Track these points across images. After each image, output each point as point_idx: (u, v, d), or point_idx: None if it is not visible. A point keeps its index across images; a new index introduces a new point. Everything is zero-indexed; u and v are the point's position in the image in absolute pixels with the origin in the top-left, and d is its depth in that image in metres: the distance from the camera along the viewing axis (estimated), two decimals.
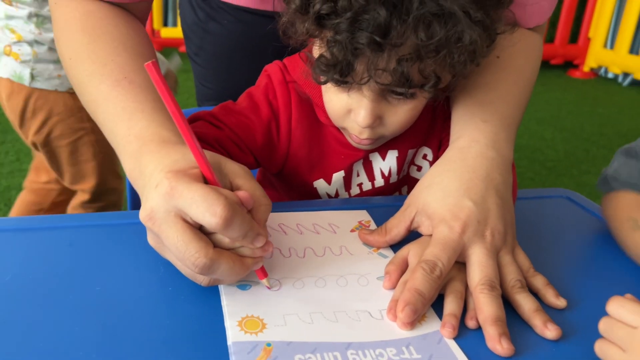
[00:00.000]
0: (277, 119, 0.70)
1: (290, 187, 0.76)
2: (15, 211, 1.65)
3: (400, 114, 0.62)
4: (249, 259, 0.49)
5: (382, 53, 0.52)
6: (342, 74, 0.56)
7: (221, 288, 0.51)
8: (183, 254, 0.45)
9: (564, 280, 0.56)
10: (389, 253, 0.59)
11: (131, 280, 0.51)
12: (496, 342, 0.46)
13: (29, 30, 1.37)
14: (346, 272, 0.55)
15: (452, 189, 0.56)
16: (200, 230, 0.47)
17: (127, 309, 0.48)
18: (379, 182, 0.75)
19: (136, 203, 0.90)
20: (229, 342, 0.44)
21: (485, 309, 0.48)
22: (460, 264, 0.53)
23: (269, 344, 0.44)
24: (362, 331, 0.47)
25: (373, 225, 0.64)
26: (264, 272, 0.51)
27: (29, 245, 0.56)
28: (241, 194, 0.48)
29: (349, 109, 0.62)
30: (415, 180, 0.78)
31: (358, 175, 0.74)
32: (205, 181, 0.48)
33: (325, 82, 0.60)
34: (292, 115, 0.71)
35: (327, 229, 0.62)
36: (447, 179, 0.57)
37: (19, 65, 1.39)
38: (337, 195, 0.75)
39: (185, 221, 0.46)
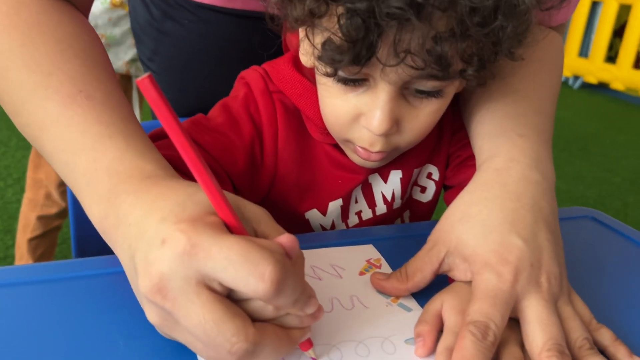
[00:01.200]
0: (261, 137, 0.58)
1: (276, 218, 0.63)
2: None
3: (422, 117, 0.50)
4: (296, 330, 0.36)
5: (417, 25, 0.40)
6: (359, 60, 0.43)
7: None
8: (214, 339, 0.32)
9: (621, 326, 0.46)
10: (413, 304, 0.47)
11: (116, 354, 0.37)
12: None
13: None
14: (365, 335, 0.42)
15: (494, 222, 0.44)
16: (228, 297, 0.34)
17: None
18: (381, 208, 0.63)
19: (83, 249, 0.75)
20: None
21: None
22: (511, 320, 0.42)
23: None
24: None
25: (385, 265, 0.52)
26: (309, 342, 0.39)
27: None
28: (285, 241, 0.35)
29: (357, 113, 0.50)
30: (419, 204, 0.67)
31: (356, 202, 0.62)
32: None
33: (333, 74, 0.47)
34: (279, 132, 0.58)
35: (330, 272, 0.50)
36: (486, 209, 0.45)
37: None
38: (333, 226, 0.62)
39: (212, 290, 0.33)
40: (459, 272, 0.45)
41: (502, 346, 0.40)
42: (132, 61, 1.61)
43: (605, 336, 0.43)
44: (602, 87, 4.84)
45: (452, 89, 0.51)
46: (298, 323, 0.36)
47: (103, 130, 0.43)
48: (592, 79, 4.76)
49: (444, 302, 0.43)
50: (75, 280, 0.46)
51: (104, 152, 0.41)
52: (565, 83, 5.07)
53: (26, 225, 1.58)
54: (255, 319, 0.34)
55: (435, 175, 0.65)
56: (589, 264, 0.57)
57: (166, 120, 0.31)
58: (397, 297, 0.47)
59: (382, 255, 0.53)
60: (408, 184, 0.63)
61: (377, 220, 0.64)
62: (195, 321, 0.32)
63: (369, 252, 0.54)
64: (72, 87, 0.44)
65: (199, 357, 0.37)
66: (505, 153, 0.49)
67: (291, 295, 0.34)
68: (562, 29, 0.66)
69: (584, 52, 4.93)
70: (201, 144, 0.54)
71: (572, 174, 2.94)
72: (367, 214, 0.63)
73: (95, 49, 0.49)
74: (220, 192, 0.34)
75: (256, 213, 0.38)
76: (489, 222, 0.44)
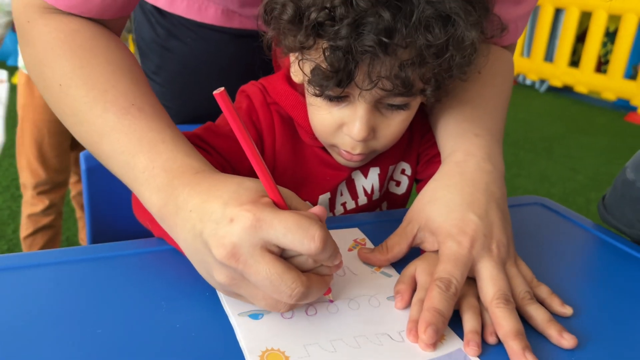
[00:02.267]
0: (262, 142, 0.68)
1: None
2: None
3: (393, 125, 0.62)
4: (327, 277, 0.48)
5: (385, 57, 0.52)
6: (341, 84, 0.55)
7: (233, 320, 0.48)
8: (278, 286, 0.43)
9: (561, 288, 0.57)
10: (392, 272, 0.58)
11: (133, 321, 0.47)
12: (521, 356, 0.46)
13: None
14: (355, 294, 0.54)
15: (456, 203, 0.56)
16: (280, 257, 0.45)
17: (135, 354, 0.44)
18: (362, 200, 0.74)
19: (96, 235, 0.85)
20: None
21: (505, 324, 0.48)
22: (470, 279, 0.53)
23: None
24: (387, 355, 0.46)
25: (369, 243, 0.63)
26: (329, 288, 0.51)
27: (10, 287, 0.51)
28: (318, 212, 0.47)
29: (341, 123, 0.61)
30: (394, 196, 0.79)
31: (341, 195, 0.73)
32: None
33: (320, 95, 0.58)
34: (276, 138, 0.69)
35: None
36: (449, 193, 0.57)
37: None
38: None
39: (271, 252, 0.44)
40: (429, 244, 0.56)
41: (462, 299, 0.52)
42: None
43: (544, 291, 0.55)
44: (567, 90, 5.05)
45: (416, 102, 0.62)
46: (328, 272, 0.48)
47: (156, 136, 0.53)
48: (557, 83, 4.96)
49: (417, 267, 0.54)
50: (97, 260, 0.56)
51: (159, 153, 0.52)
52: (532, 87, 5.27)
53: (22, 225, 1.69)
54: (301, 271, 0.46)
55: (408, 171, 0.77)
56: (535, 240, 0.69)
57: (235, 122, 0.43)
58: (380, 266, 0.59)
59: (366, 235, 0.64)
60: (385, 178, 0.75)
61: (359, 210, 0.75)
62: (263, 275, 0.43)
63: (355, 233, 0.65)
64: (125, 101, 0.54)
65: (257, 305, 0.48)
66: (464, 149, 0.61)
67: (329, 250, 0.45)
68: (512, 47, 0.78)
69: (549, 57, 5.13)
70: (215, 147, 0.65)
71: (538, 174, 3.10)
72: (350, 204, 0.74)
73: (135, 66, 0.60)
74: (273, 180, 0.46)
75: (287, 194, 0.49)
76: (451, 203, 0.56)
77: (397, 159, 0.76)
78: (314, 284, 0.46)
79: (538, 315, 0.51)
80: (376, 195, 0.75)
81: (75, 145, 1.73)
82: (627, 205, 0.70)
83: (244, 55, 0.89)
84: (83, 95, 0.55)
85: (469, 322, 0.49)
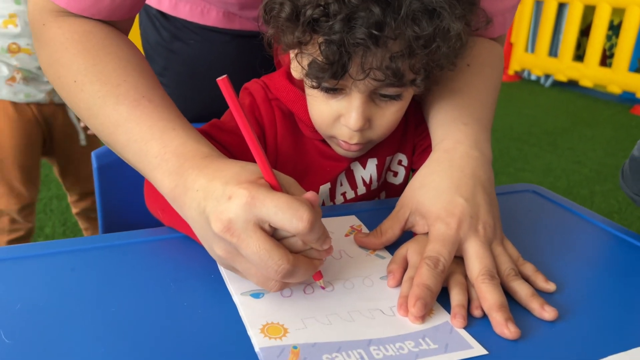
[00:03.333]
0: (264, 136, 0.72)
1: None
2: None
3: (388, 115, 0.65)
4: (316, 260, 0.51)
5: (376, 49, 0.56)
6: (336, 76, 0.58)
7: (236, 299, 0.52)
8: (266, 261, 0.47)
9: (547, 267, 0.61)
10: (385, 254, 0.62)
11: (144, 300, 0.51)
12: (504, 326, 0.49)
13: None
14: (350, 275, 0.57)
15: (444, 187, 0.59)
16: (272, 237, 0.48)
17: (147, 328, 0.48)
18: (361, 189, 0.78)
19: (108, 226, 0.90)
20: (257, 348, 0.46)
21: (489, 297, 0.51)
22: (458, 258, 0.57)
23: (295, 347, 0.46)
24: (379, 328, 0.49)
25: (364, 229, 0.66)
26: (320, 274, 0.54)
27: (32, 273, 0.55)
28: (310, 197, 0.50)
29: (338, 115, 0.65)
30: (392, 186, 0.82)
31: (341, 185, 0.77)
32: None
33: (318, 86, 0.62)
34: (278, 132, 0.73)
35: None
36: (438, 178, 0.60)
37: None
38: (323, 205, 0.77)
39: (263, 230, 0.47)
40: (419, 227, 0.60)
41: (450, 276, 0.55)
42: (54, 90, 1.63)
43: (529, 269, 0.58)
44: (572, 84, 5.06)
45: (408, 93, 0.66)
46: (317, 255, 0.51)
47: (167, 124, 0.57)
48: (562, 77, 4.97)
49: (409, 248, 0.58)
50: (111, 248, 0.60)
51: (170, 140, 0.56)
52: (537, 82, 5.28)
53: None
54: (290, 252, 0.49)
55: (404, 162, 0.80)
56: (525, 224, 0.72)
57: (236, 110, 0.47)
58: (374, 250, 0.62)
59: (362, 222, 0.68)
60: (382, 169, 0.78)
61: (358, 200, 0.79)
62: (253, 249, 0.47)
63: (352, 220, 0.69)
64: (136, 93, 0.59)
65: (250, 281, 0.51)
66: (453, 137, 0.64)
67: (317, 232, 0.48)
68: (501, 39, 0.81)
69: (553, 51, 5.14)
70: (221, 142, 0.68)
71: (542, 167, 3.12)
72: (350, 194, 0.78)
73: (144, 62, 0.64)
74: (268, 164, 0.49)
75: (288, 180, 0.52)
76: (440, 187, 0.59)
77: (393, 150, 0.79)
78: (300, 263, 0.49)
79: (522, 290, 0.54)
80: (374, 185, 0.79)
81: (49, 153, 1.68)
82: (634, 176, 0.74)
83: (245, 55, 0.93)
84: (97, 90, 0.59)
85: (456, 296, 0.53)
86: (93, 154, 0.87)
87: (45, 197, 2.28)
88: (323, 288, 0.54)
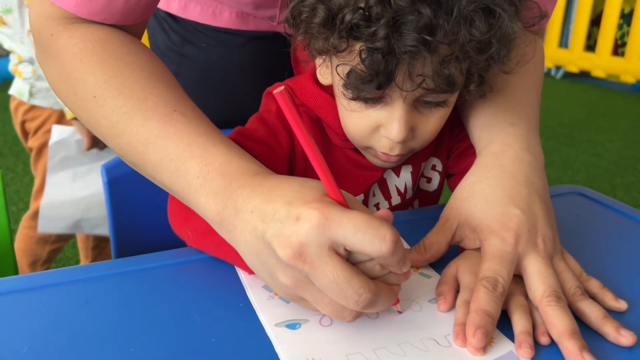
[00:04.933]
0: (294, 145, 0.66)
1: None
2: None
3: (432, 122, 0.59)
4: (395, 286, 0.45)
5: (427, 55, 0.49)
6: (381, 86, 0.52)
7: (270, 331, 0.46)
8: (345, 291, 0.41)
9: (611, 280, 0.54)
10: (431, 272, 0.55)
11: (166, 337, 0.46)
12: (578, 356, 0.43)
13: (26, 50, 1.51)
14: None
15: (496, 197, 0.53)
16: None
17: None
18: (396, 199, 0.72)
19: (121, 247, 0.84)
20: None
21: (558, 323, 0.45)
22: (516, 277, 0.51)
23: None
24: None
25: (404, 243, 0.60)
26: (397, 298, 0.48)
27: (41, 307, 0.49)
28: (384, 214, 0.44)
29: (377, 125, 0.59)
30: (426, 193, 0.76)
31: (374, 196, 0.71)
32: None
33: (355, 98, 0.56)
34: None
35: None
36: (488, 187, 0.54)
37: (21, 82, 1.54)
38: None
39: (339, 254, 0.42)
40: (469, 241, 0.54)
41: (509, 298, 0.49)
42: None
43: (595, 285, 0.52)
44: (584, 75, 4.97)
45: (454, 98, 0.59)
46: (396, 280, 0.45)
47: (205, 140, 0.51)
48: (574, 68, 4.89)
49: (459, 266, 0.52)
50: (124, 275, 0.55)
51: (213, 157, 0.49)
52: (547, 74, 5.19)
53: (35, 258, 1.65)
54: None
55: (439, 167, 0.74)
56: (577, 231, 0.66)
57: (297, 124, 0.42)
58: (418, 267, 0.56)
59: (400, 235, 0.62)
60: (417, 176, 0.72)
61: (392, 210, 0.72)
62: (330, 278, 0.41)
63: None
64: (166, 107, 0.52)
65: (322, 311, 0.45)
66: (501, 140, 0.58)
67: (399, 254, 0.42)
68: (541, 32, 0.75)
69: (563, 42, 5.06)
70: (250, 151, 0.62)
71: (560, 161, 3.05)
72: (384, 205, 0.72)
73: (166, 71, 0.58)
74: (334, 180, 0.44)
75: (349, 196, 0.46)
76: (491, 197, 0.53)
77: (427, 155, 0.73)
78: (382, 291, 0.43)
79: (592, 311, 0.48)
80: (409, 194, 0.73)
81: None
82: None
83: (262, 57, 0.87)
84: (121, 105, 0.53)
85: (519, 322, 0.47)
86: (103, 167, 0.81)
87: None
88: (400, 312, 0.49)
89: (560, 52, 4.98)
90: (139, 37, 0.62)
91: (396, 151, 0.60)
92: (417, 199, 0.76)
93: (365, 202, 0.70)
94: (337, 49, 0.53)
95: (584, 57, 4.79)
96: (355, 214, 0.42)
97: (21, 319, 0.48)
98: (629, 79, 4.52)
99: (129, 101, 0.53)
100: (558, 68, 5.10)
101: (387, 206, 0.72)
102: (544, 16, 0.59)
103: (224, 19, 0.88)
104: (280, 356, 0.43)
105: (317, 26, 0.52)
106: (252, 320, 0.48)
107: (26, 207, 2.24)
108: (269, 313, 0.48)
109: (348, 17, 0.49)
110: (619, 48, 4.78)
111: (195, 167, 0.49)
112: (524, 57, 0.61)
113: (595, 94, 4.59)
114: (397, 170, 0.70)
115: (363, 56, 0.50)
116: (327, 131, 0.67)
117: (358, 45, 0.51)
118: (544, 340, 0.46)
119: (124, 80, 0.54)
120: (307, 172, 0.67)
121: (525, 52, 0.65)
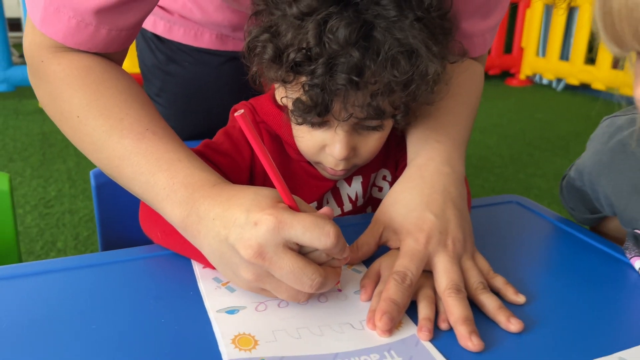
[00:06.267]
0: (254, 159, 0.75)
1: None
2: None
3: (371, 143, 0.68)
4: (338, 269, 0.55)
5: (357, 91, 0.58)
6: (320, 115, 0.61)
7: (211, 315, 0.54)
8: (300, 278, 0.50)
9: (521, 278, 0.62)
10: (362, 268, 0.64)
11: (124, 317, 0.54)
12: (467, 339, 0.51)
13: None
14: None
15: (414, 204, 0.61)
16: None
17: (122, 345, 0.50)
18: (347, 206, 0.80)
19: (108, 243, 0.93)
20: (225, 359, 0.48)
21: (455, 311, 0.53)
22: (427, 272, 0.59)
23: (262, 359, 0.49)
24: (347, 342, 0.52)
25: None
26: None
27: (21, 292, 0.58)
28: (326, 212, 0.54)
29: (323, 145, 0.68)
30: (378, 200, 0.84)
31: (327, 203, 0.79)
32: None
33: (301, 123, 0.65)
34: None
35: None
36: (409, 195, 0.62)
37: None
38: None
39: (292, 249, 0.51)
40: (393, 242, 0.62)
41: (419, 291, 0.57)
42: None
43: (499, 281, 0.60)
44: (584, 87, 5.02)
45: (389, 123, 0.69)
46: (338, 264, 0.55)
47: (172, 155, 0.59)
48: (574, 81, 4.94)
49: (382, 263, 0.60)
50: (91, 267, 0.63)
51: (177, 171, 0.57)
52: (549, 86, 5.25)
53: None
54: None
55: (388, 177, 0.82)
56: (504, 236, 0.74)
57: (255, 141, 0.50)
58: (351, 264, 0.64)
59: (345, 237, 0.70)
60: (368, 185, 0.80)
61: (344, 216, 0.81)
62: (287, 269, 0.50)
63: None
64: (139, 127, 0.61)
65: (280, 297, 0.54)
66: (425, 154, 0.67)
67: (340, 244, 0.52)
68: (482, 58, 0.83)
69: (564, 55, 5.11)
70: (215, 163, 0.71)
71: (553, 172, 3.10)
72: (337, 211, 0.80)
73: (142, 93, 0.66)
74: (286, 187, 0.53)
75: (296, 199, 0.55)
76: (411, 204, 0.61)
77: (378, 167, 0.81)
78: (329, 274, 0.52)
79: (489, 303, 0.56)
80: (360, 202, 0.81)
81: None
82: (569, 194, 0.78)
83: (239, 75, 0.95)
84: (101, 125, 0.61)
85: (423, 310, 0.55)
86: (91, 173, 0.91)
87: (58, 211, 2.33)
88: (340, 290, 0.59)
89: (561, 64, 5.03)
90: (121, 62, 0.72)
91: (341, 167, 0.69)
92: (370, 206, 0.84)
93: (319, 209, 0.79)
94: (285, 80, 0.62)
95: (584, 69, 4.84)
96: (304, 216, 0.51)
97: (3, 301, 0.57)
98: (628, 91, 4.55)
99: (107, 121, 0.61)
100: (559, 80, 5.15)
101: (340, 212, 0.80)
102: (465, 54, 0.67)
103: (205, 40, 0.97)
104: (216, 334, 0.52)
105: (266, 61, 0.61)
106: (198, 306, 0.56)
107: (32, 210, 2.35)
108: (215, 300, 0.57)
109: (292, 56, 0.58)
110: (619, 61, 4.83)
111: (162, 180, 0.58)
112: (456, 87, 0.70)
113: (595, 106, 4.63)
114: (348, 180, 0.79)
115: (305, 89, 0.59)
116: (284, 146, 0.76)
117: (302, 79, 0.60)
118: (443, 326, 0.54)
119: (105, 102, 0.62)
120: (265, 182, 0.76)
121: (459, 82, 0.73)
